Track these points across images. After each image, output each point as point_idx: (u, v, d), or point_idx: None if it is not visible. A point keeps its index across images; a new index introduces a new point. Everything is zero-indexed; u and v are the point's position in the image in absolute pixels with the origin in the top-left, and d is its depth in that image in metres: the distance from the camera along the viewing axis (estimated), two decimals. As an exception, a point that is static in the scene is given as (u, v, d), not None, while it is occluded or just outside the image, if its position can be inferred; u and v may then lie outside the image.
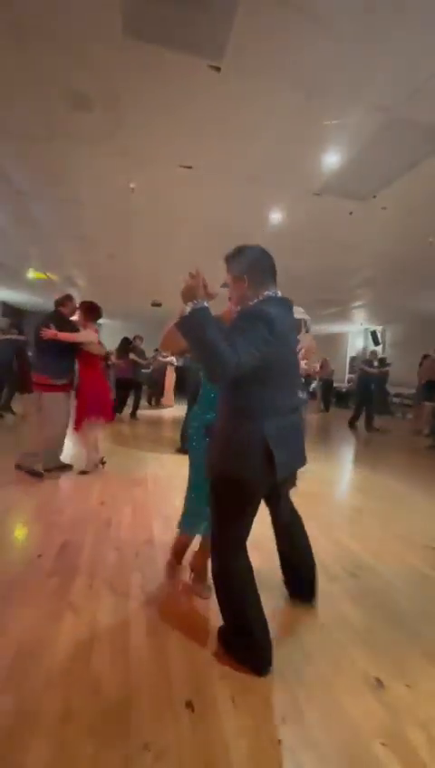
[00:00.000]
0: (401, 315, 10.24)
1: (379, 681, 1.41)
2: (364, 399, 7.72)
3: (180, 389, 9.21)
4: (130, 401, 7.51)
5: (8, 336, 6.47)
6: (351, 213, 4.21)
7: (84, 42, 2.26)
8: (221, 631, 1.54)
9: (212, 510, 1.47)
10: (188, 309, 1.26)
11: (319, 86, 2.45)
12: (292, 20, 2.02)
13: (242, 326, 1.26)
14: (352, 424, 7.87)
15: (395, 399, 11.12)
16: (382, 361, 8.43)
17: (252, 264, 1.48)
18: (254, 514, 1.45)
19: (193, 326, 1.23)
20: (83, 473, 3.65)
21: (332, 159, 3.25)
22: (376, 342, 10.77)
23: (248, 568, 1.48)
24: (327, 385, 10.49)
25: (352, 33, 2.07)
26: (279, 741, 1.15)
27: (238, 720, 1.22)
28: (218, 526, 1.45)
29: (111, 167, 3.60)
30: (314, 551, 1.89)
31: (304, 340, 3.10)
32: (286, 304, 1.49)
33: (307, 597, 1.86)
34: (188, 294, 1.31)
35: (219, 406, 1.48)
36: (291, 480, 1.86)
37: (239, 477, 1.35)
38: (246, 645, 1.44)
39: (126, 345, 7.56)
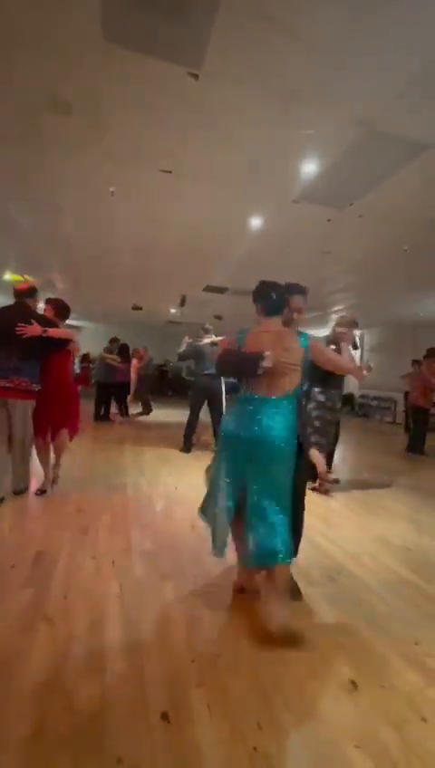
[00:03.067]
0: (380, 320, 10.50)
1: (353, 683, 1.43)
2: None
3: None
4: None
5: None
6: (329, 220, 4.29)
7: (65, 46, 2.25)
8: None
9: None
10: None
11: (296, 96, 2.50)
12: (269, 31, 2.06)
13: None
14: None
15: (373, 402, 11.37)
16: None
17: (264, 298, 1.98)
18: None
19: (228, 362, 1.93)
20: (42, 492, 3.20)
21: (309, 168, 3.32)
22: (355, 347, 10.97)
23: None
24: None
25: (329, 45, 2.12)
26: (254, 748, 1.15)
27: (214, 729, 1.21)
28: None
29: (91, 170, 3.57)
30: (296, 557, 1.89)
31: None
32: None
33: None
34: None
35: None
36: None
37: None
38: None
39: (127, 350, 7.82)
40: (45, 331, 2.96)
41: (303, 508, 1.92)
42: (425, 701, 1.37)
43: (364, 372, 2.20)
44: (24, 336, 2.89)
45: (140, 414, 8.46)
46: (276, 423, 1.72)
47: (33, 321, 2.97)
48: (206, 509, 1.89)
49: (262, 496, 1.70)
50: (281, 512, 1.69)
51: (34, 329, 2.92)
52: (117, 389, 7.83)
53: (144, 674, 1.41)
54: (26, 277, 7.73)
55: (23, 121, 2.91)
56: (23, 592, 1.84)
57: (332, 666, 1.52)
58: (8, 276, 7.68)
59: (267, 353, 1.71)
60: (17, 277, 7.73)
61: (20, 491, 3.11)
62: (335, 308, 8.90)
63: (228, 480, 1.78)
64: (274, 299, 1.91)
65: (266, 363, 1.70)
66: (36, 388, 3.04)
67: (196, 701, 1.31)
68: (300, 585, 2.01)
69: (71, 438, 3.47)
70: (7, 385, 2.90)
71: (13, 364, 2.92)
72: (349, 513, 3.31)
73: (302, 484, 1.91)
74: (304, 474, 1.92)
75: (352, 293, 7.73)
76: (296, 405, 1.82)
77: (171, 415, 8.72)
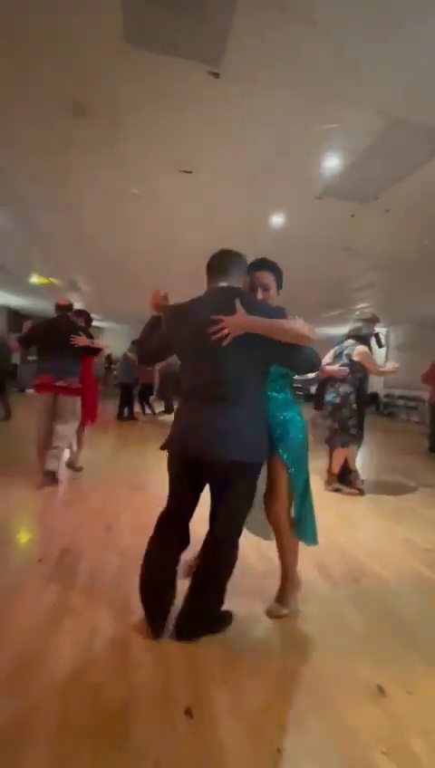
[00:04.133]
0: (406, 317, 10.21)
1: (380, 688, 1.39)
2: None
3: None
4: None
5: None
6: (353, 215, 4.21)
7: (86, 50, 2.29)
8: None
9: None
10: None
11: (318, 89, 2.46)
12: (289, 23, 2.03)
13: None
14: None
15: (398, 402, 11.07)
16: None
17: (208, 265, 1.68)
18: (178, 490, 1.65)
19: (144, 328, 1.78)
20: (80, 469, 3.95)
21: (333, 163, 3.26)
22: (380, 345, 10.71)
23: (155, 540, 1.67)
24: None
25: (351, 35, 2.07)
26: (278, 749, 1.14)
27: (238, 727, 1.21)
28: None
29: (111, 173, 3.63)
30: (316, 556, 1.87)
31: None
32: (217, 294, 1.55)
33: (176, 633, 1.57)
34: (151, 306, 1.82)
35: None
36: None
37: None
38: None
39: None
40: (92, 342, 3.63)
41: None
42: (456, 710, 1.32)
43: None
44: (76, 345, 3.52)
45: (163, 413, 8.56)
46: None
47: (80, 332, 3.61)
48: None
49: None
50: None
51: (84, 340, 3.55)
52: (141, 390, 8.00)
53: (167, 670, 1.42)
54: (52, 280, 7.94)
55: (45, 125, 2.98)
56: (49, 586, 1.89)
57: (357, 669, 1.48)
58: (35, 279, 7.91)
59: None
60: (43, 280, 7.95)
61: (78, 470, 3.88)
62: (359, 305, 8.72)
63: None
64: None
65: None
66: (79, 386, 3.65)
67: (219, 699, 1.31)
68: (322, 585, 1.99)
69: (91, 424, 4.12)
70: (63, 384, 3.51)
71: (66, 367, 3.54)
72: (372, 515, 3.24)
73: None
74: None
75: (376, 290, 7.55)
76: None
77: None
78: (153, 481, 3.72)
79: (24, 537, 2.48)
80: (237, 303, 1.42)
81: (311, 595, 1.97)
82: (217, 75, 2.41)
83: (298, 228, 4.67)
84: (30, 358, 7.67)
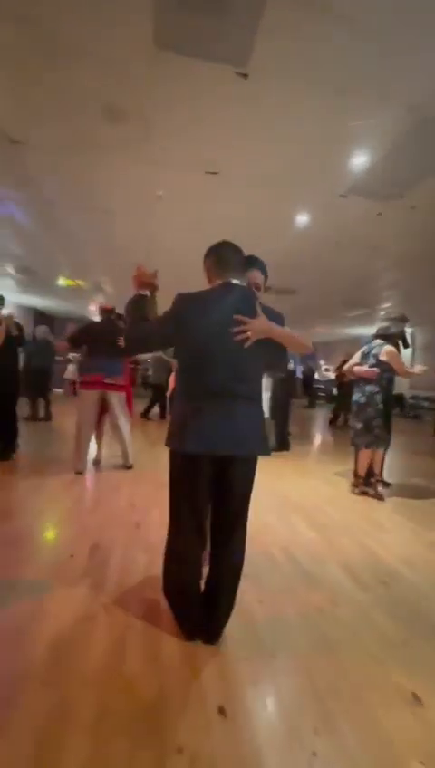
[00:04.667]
0: (431, 317, 9.92)
1: (416, 696, 1.36)
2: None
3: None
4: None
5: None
6: (379, 214, 4.13)
7: (116, 57, 2.34)
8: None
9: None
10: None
11: (347, 86, 2.43)
12: (318, 21, 2.01)
13: (160, 316, 1.54)
14: (332, 423, 8.67)
15: (424, 403, 10.79)
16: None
17: (210, 261, 1.62)
18: (200, 492, 1.51)
19: (126, 310, 1.61)
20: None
21: (359, 160, 3.21)
22: (405, 345, 10.47)
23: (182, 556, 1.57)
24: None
25: (380, 31, 2.04)
26: (314, 753, 1.13)
27: (271, 729, 1.21)
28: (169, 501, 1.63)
29: (139, 175, 3.69)
30: (343, 559, 1.86)
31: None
32: (235, 291, 1.51)
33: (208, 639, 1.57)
34: (135, 283, 1.68)
35: None
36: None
37: (172, 450, 1.53)
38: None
39: None
40: None
41: None
42: None
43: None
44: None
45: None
46: None
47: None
48: None
49: None
50: None
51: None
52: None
53: (199, 667, 1.43)
54: (78, 281, 8.12)
55: (75, 131, 3.06)
56: (82, 581, 1.93)
57: (391, 676, 1.46)
58: (62, 281, 8.11)
59: None
60: (70, 281, 8.15)
61: (128, 467, 4.04)
62: (384, 305, 8.54)
63: None
64: None
65: None
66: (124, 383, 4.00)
67: (251, 698, 1.31)
68: (351, 588, 1.97)
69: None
70: (112, 382, 3.86)
71: (114, 366, 3.88)
72: (400, 518, 3.17)
73: None
74: None
75: (401, 290, 7.38)
76: None
77: None
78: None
79: (56, 533, 2.55)
80: (259, 308, 1.47)
81: (339, 598, 1.95)
82: (245, 76, 2.42)
83: (323, 227, 4.62)
84: (58, 357, 7.84)
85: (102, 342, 3.81)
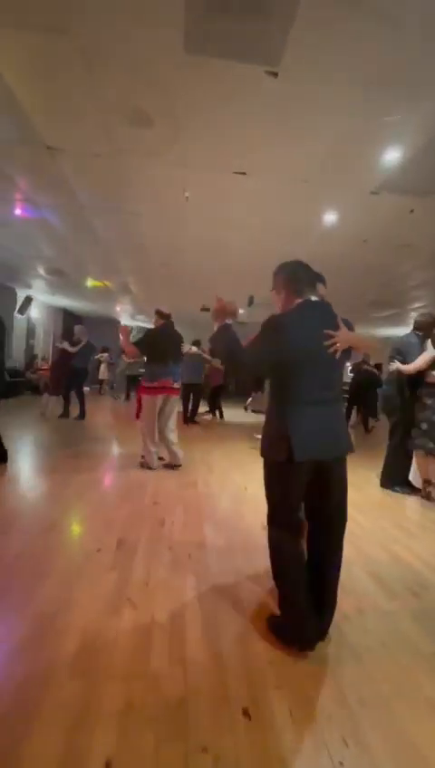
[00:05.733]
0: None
1: (448, 712, 1.31)
2: (357, 400, 8.14)
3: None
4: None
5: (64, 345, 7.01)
6: (412, 211, 4.00)
7: (147, 62, 2.37)
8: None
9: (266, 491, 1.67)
10: (215, 327, 1.66)
11: (379, 82, 2.37)
12: (352, 17, 1.97)
13: (258, 336, 1.56)
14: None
15: None
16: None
17: (285, 278, 1.70)
18: (298, 496, 1.59)
19: (216, 339, 1.65)
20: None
21: (392, 156, 3.12)
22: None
23: (293, 553, 1.61)
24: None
25: (412, 25, 1.98)
26: (341, 763, 1.11)
27: (297, 736, 1.19)
28: (269, 506, 1.67)
29: (168, 178, 3.72)
30: (371, 565, 1.81)
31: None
32: (318, 307, 1.65)
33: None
34: (214, 316, 1.71)
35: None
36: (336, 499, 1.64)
37: (274, 460, 1.57)
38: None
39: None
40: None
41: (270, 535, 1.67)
42: None
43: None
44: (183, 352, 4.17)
45: (207, 413, 8.62)
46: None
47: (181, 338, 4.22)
48: None
49: None
50: None
51: (185, 347, 4.17)
52: (212, 391, 8.08)
53: (224, 668, 1.43)
54: (105, 282, 8.29)
55: (106, 136, 3.12)
56: (108, 575, 1.97)
57: (421, 687, 1.41)
58: (89, 282, 8.30)
59: None
60: (97, 282, 8.33)
61: (179, 465, 4.08)
62: (415, 305, 8.27)
63: None
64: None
65: None
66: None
67: (276, 703, 1.30)
68: (380, 597, 1.92)
69: None
70: (175, 386, 4.01)
71: (177, 371, 4.04)
72: (432, 524, 3.05)
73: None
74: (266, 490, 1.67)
75: (433, 289, 7.12)
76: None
77: (233, 415, 8.80)
78: (203, 479, 3.78)
79: (83, 527, 2.61)
80: (340, 321, 1.61)
81: (367, 606, 1.90)
82: (275, 75, 2.40)
83: (352, 225, 4.52)
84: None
85: (171, 348, 3.94)
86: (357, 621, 1.77)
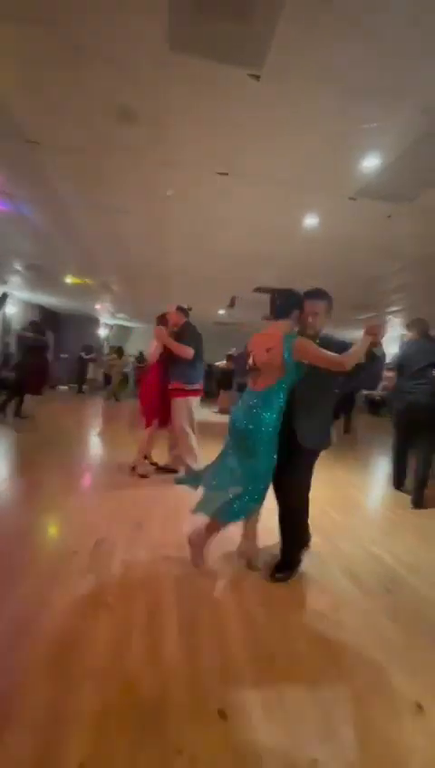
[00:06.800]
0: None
1: (419, 706, 1.35)
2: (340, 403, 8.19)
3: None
4: None
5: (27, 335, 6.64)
6: (389, 216, 4.10)
7: (130, 58, 2.34)
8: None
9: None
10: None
11: (360, 89, 2.42)
12: (333, 23, 2.00)
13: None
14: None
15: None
16: None
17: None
18: None
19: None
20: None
21: (371, 163, 3.19)
22: None
23: None
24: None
25: (394, 35, 2.02)
26: (315, 760, 1.13)
27: (272, 733, 1.20)
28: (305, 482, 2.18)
29: (149, 175, 3.69)
30: (347, 564, 1.84)
31: None
32: None
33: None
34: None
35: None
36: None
37: (319, 449, 2.17)
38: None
39: None
40: None
41: (303, 511, 2.24)
42: None
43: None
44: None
45: None
46: (261, 410, 2.01)
47: None
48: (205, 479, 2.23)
49: (243, 473, 2.02)
50: (247, 487, 2.01)
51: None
52: None
53: (200, 668, 1.43)
54: (85, 280, 8.16)
55: (89, 132, 3.07)
56: (84, 578, 1.94)
57: (393, 684, 1.45)
58: (69, 279, 8.15)
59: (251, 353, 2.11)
60: (77, 280, 8.19)
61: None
62: (392, 308, 8.48)
63: (230, 458, 2.13)
64: (277, 304, 2.18)
65: (250, 362, 2.08)
66: None
67: (252, 701, 1.31)
68: (355, 594, 1.96)
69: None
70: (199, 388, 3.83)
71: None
72: (406, 523, 3.14)
73: (299, 486, 2.18)
74: (302, 475, 2.16)
75: (409, 293, 7.32)
76: (281, 396, 2.03)
77: (211, 416, 8.81)
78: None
79: (59, 530, 2.56)
80: None
81: (342, 603, 1.94)
82: (257, 78, 2.41)
83: (332, 229, 4.59)
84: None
85: (201, 348, 3.70)
86: (333, 618, 1.80)
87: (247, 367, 2.10)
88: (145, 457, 3.88)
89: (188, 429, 3.72)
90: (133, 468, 3.75)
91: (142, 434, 3.83)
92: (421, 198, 3.66)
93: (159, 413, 3.77)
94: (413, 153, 3.00)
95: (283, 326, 2.11)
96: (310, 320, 2.14)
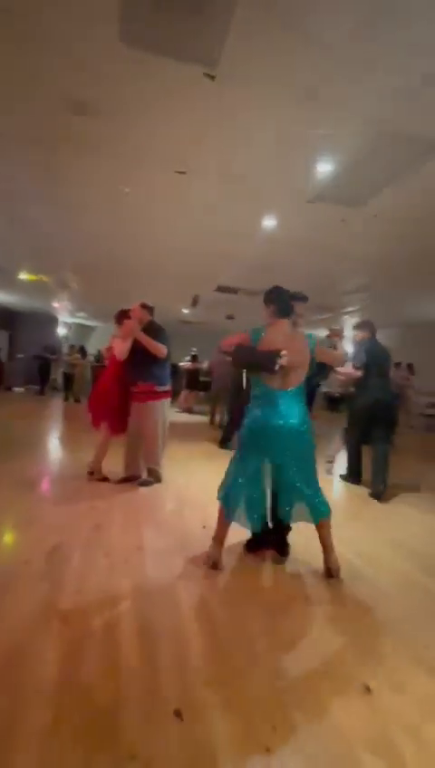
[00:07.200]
0: (392, 321, 10.36)
1: (367, 687, 1.42)
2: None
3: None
4: None
5: None
6: (343, 220, 4.26)
7: (83, 49, 2.28)
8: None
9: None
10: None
11: (312, 96, 2.49)
12: (285, 30, 2.05)
13: None
14: None
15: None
16: None
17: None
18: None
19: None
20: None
21: (325, 168, 3.30)
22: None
23: None
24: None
25: (345, 46, 2.11)
26: (268, 749, 1.15)
27: (227, 727, 1.22)
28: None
29: (106, 171, 3.62)
30: (303, 555, 1.90)
31: None
32: None
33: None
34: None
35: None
36: None
37: None
38: None
39: None
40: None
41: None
42: (440, 707, 1.35)
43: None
44: None
45: None
46: (293, 411, 2.07)
47: None
48: (233, 493, 2.15)
49: (295, 475, 2.08)
50: (311, 484, 2.14)
51: None
52: None
53: (157, 671, 1.42)
54: (42, 277, 7.84)
55: (40, 122, 2.96)
56: (37, 587, 1.87)
57: (345, 668, 1.51)
58: (24, 276, 7.80)
59: (283, 353, 1.98)
60: (33, 276, 7.85)
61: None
62: (348, 309, 8.82)
63: (259, 464, 2.14)
64: (287, 302, 2.20)
65: (283, 362, 2.00)
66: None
67: (208, 699, 1.31)
68: (312, 585, 2.02)
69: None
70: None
71: None
72: (362, 515, 3.28)
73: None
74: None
75: (365, 294, 7.65)
76: (303, 395, 2.17)
77: (172, 415, 8.80)
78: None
79: (11, 537, 2.45)
80: None
81: (299, 594, 1.99)
82: (212, 78, 2.42)
83: (290, 231, 4.71)
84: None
85: (168, 347, 3.53)
86: (290, 610, 1.85)
87: (277, 366, 2.02)
88: (95, 471, 3.58)
89: (159, 438, 3.56)
90: (91, 473, 3.58)
91: (99, 437, 3.60)
92: (371, 204, 3.83)
93: (116, 418, 3.54)
94: (360, 162, 3.14)
95: (287, 325, 2.19)
96: (299, 321, 2.39)
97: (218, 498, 2.19)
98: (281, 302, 2.18)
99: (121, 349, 3.40)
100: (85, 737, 1.15)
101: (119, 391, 3.53)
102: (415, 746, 1.20)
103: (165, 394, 3.58)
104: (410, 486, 4.25)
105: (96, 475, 3.57)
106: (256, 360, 2.08)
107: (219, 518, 2.18)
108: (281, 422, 2.04)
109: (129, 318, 3.55)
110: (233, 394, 5.35)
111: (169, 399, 3.66)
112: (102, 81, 2.51)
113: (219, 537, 2.16)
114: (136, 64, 2.35)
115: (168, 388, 3.61)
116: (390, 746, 1.19)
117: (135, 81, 2.49)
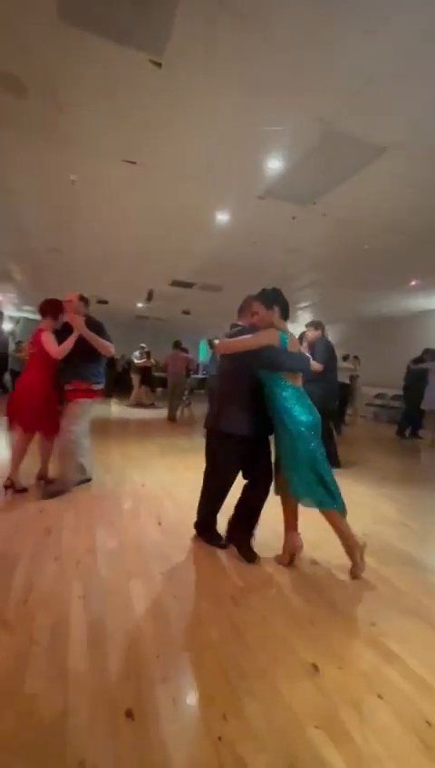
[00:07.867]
0: (342, 316, 10.83)
1: (315, 666, 1.48)
2: None
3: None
4: None
5: None
6: (294, 218, 4.36)
7: (17, 21, 2.13)
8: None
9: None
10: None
11: (259, 90, 2.50)
12: (231, 24, 2.04)
13: None
14: None
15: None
16: None
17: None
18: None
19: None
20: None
21: (274, 164, 3.34)
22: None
23: None
24: None
25: (291, 41, 2.13)
26: (219, 737, 1.17)
27: (179, 722, 1.22)
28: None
29: (48, 156, 3.43)
30: (257, 547, 1.93)
31: None
32: None
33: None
34: None
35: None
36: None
37: None
38: None
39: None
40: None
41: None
42: (381, 679, 1.44)
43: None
44: None
45: None
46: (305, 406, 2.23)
47: None
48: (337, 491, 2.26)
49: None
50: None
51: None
52: None
53: (109, 673, 1.39)
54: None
55: (-27, 100, 2.73)
56: (-21, 598, 1.76)
57: (295, 651, 1.56)
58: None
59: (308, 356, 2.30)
60: (-29, 267, 7.30)
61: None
62: (301, 305, 9.08)
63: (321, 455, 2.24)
64: (287, 304, 2.36)
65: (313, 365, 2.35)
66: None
67: (161, 696, 1.31)
68: (264, 572, 2.07)
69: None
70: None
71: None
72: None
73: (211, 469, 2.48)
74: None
75: (316, 290, 7.91)
76: None
77: (127, 412, 8.64)
78: (98, 480, 3.59)
79: None
80: None
81: (251, 584, 2.03)
82: (159, 65, 2.36)
83: (242, 226, 4.74)
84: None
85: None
86: (242, 600, 1.89)
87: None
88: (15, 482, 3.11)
89: (82, 439, 3.29)
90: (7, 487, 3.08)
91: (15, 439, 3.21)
92: (320, 203, 3.95)
93: (44, 420, 3.17)
94: (309, 160, 3.22)
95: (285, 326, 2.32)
96: (257, 318, 2.44)
97: (339, 508, 2.24)
98: (284, 303, 2.33)
99: (63, 348, 3.07)
100: (32, 748, 1.11)
101: (43, 390, 3.14)
102: (359, 719, 1.27)
103: (98, 393, 3.32)
104: (358, 473, 4.48)
105: (16, 485, 3.10)
106: (295, 363, 2.25)
107: (342, 523, 2.23)
108: (318, 414, 2.26)
109: (60, 310, 3.21)
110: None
111: (96, 399, 3.35)
112: (39, 58, 2.37)
113: (351, 536, 2.25)
114: (76, 44, 2.23)
115: (102, 386, 3.34)
116: (335, 721, 1.25)
117: (76, 62, 2.38)
